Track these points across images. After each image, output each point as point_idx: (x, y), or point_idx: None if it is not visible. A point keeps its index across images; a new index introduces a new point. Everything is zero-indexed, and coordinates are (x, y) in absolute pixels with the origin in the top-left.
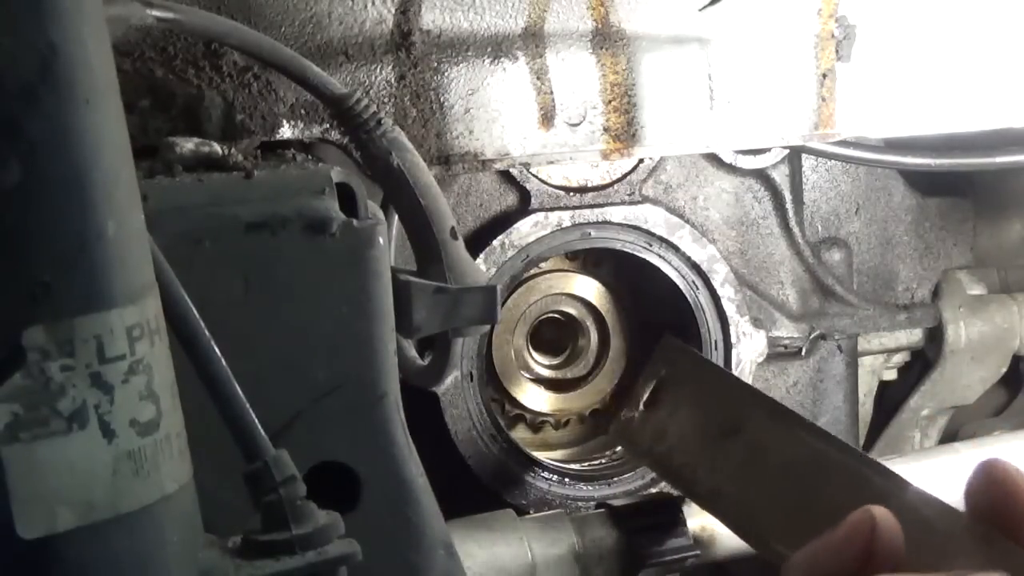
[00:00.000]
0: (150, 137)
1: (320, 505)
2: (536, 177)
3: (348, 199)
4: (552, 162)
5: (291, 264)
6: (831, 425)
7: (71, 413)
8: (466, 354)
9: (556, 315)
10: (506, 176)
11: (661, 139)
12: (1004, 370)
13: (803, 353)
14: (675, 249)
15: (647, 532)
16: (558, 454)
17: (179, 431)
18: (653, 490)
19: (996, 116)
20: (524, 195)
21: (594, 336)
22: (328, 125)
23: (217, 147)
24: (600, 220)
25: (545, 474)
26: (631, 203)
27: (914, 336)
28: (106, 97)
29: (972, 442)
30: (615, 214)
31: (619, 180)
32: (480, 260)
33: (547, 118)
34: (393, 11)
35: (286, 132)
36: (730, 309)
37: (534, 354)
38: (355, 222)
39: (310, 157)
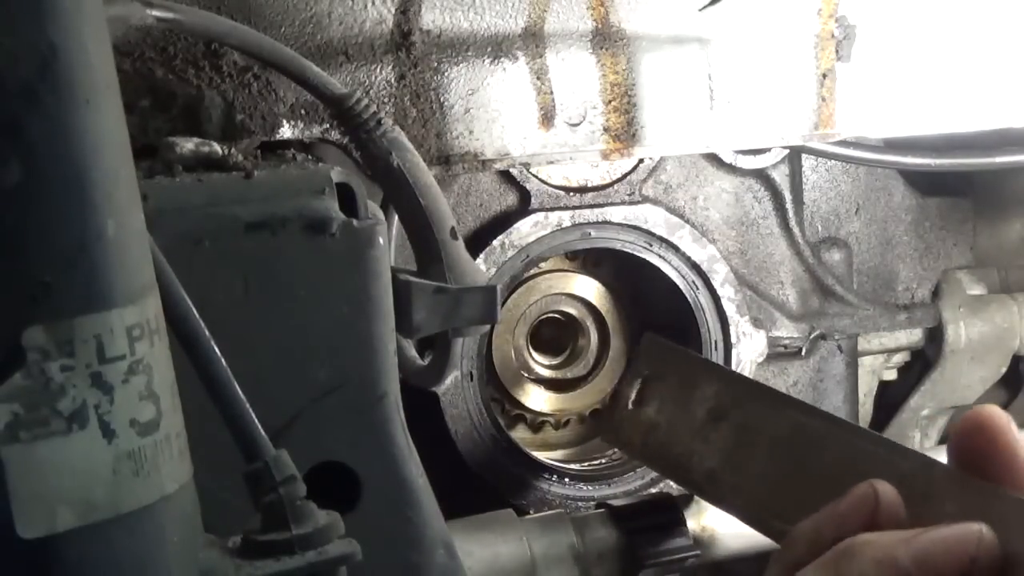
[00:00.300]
0: (150, 137)
1: (320, 505)
2: (536, 177)
3: (348, 199)
4: (552, 162)
5: (291, 264)
6: None
7: (71, 413)
8: (466, 354)
9: (556, 315)
10: (506, 176)
11: (661, 139)
12: (1004, 370)
13: (803, 353)
14: (675, 249)
15: (647, 532)
16: (558, 454)
17: (179, 431)
18: (653, 490)
19: (996, 116)
20: (524, 195)
21: (594, 336)
22: (328, 125)
23: (217, 147)
24: (600, 220)
25: (545, 474)
26: (631, 203)
27: (914, 336)
28: (106, 97)
29: None
30: (615, 214)
31: (619, 180)
32: (480, 260)
33: (547, 118)
34: (393, 11)
35: (286, 132)
36: (730, 309)
37: (534, 354)
38: (355, 222)
39: (310, 157)
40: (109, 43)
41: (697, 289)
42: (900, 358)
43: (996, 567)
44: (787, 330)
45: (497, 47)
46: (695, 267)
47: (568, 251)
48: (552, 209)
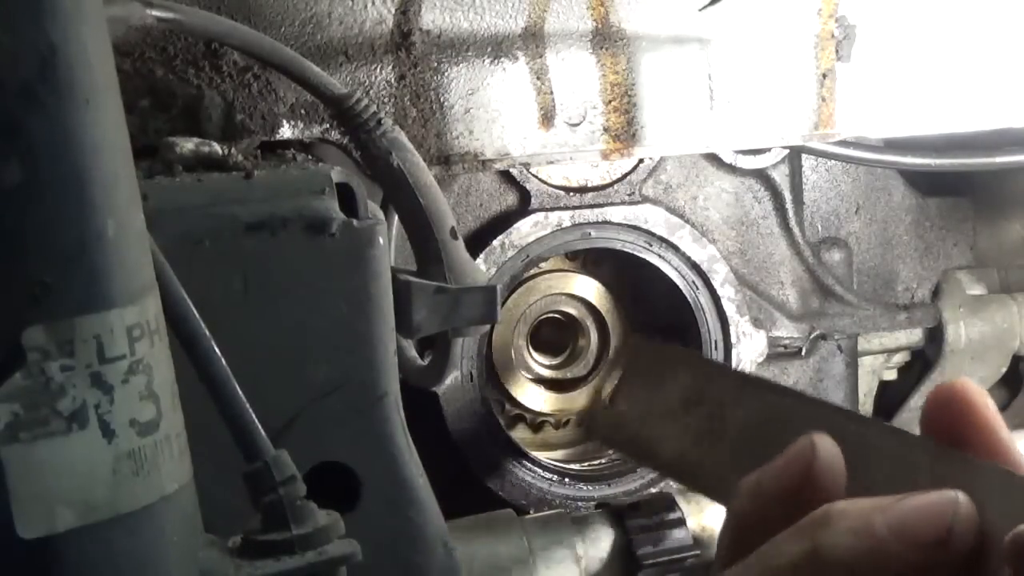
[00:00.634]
0: (150, 137)
1: (320, 505)
2: (536, 177)
3: (348, 199)
4: (552, 162)
5: (291, 264)
6: None
7: (71, 413)
8: (466, 354)
9: (556, 315)
10: (506, 176)
11: (661, 139)
12: (1004, 370)
13: (803, 353)
14: (675, 249)
15: (647, 532)
16: (558, 454)
17: (179, 431)
18: (653, 490)
19: (996, 116)
20: (524, 195)
21: (594, 336)
22: (328, 125)
23: (217, 147)
24: (600, 220)
25: (545, 474)
26: (631, 203)
27: (914, 336)
28: (106, 97)
29: None
30: (615, 214)
31: (619, 180)
32: (480, 260)
33: (547, 118)
34: (393, 11)
35: (286, 132)
36: (730, 309)
37: (534, 354)
38: (355, 222)
39: (310, 157)
40: (109, 43)
41: (697, 289)
42: (900, 358)
43: (973, 535)
44: (787, 330)
45: (497, 47)
46: (695, 267)
47: (568, 251)
48: (552, 209)
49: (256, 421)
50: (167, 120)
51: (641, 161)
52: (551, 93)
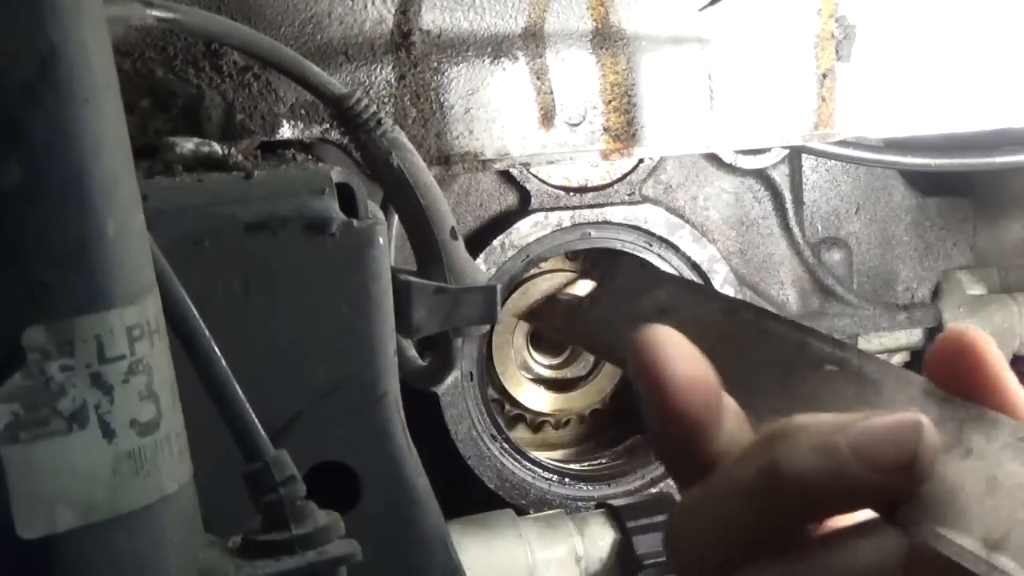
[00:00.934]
0: (150, 137)
1: (320, 505)
2: (536, 177)
3: (348, 199)
4: (552, 162)
5: (291, 264)
6: None
7: (71, 413)
8: (466, 354)
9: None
10: (506, 176)
11: (661, 139)
12: None
13: None
14: (675, 249)
15: (647, 532)
16: (558, 454)
17: (179, 431)
18: (653, 490)
19: (996, 116)
20: (524, 195)
21: None
22: (328, 125)
23: (217, 147)
24: (600, 220)
25: (545, 474)
26: (631, 203)
27: (914, 336)
28: (106, 97)
29: None
30: (615, 214)
31: (619, 180)
32: (480, 260)
33: (547, 118)
34: (393, 11)
35: (286, 132)
36: None
37: (534, 354)
38: (355, 222)
39: (310, 157)
40: (109, 43)
41: None
42: (900, 358)
43: (934, 461)
44: None
45: (497, 47)
46: (695, 267)
47: (568, 251)
48: (552, 209)
49: (256, 421)
50: (167, 120)
51: (641, 161)
52: (551, 93)
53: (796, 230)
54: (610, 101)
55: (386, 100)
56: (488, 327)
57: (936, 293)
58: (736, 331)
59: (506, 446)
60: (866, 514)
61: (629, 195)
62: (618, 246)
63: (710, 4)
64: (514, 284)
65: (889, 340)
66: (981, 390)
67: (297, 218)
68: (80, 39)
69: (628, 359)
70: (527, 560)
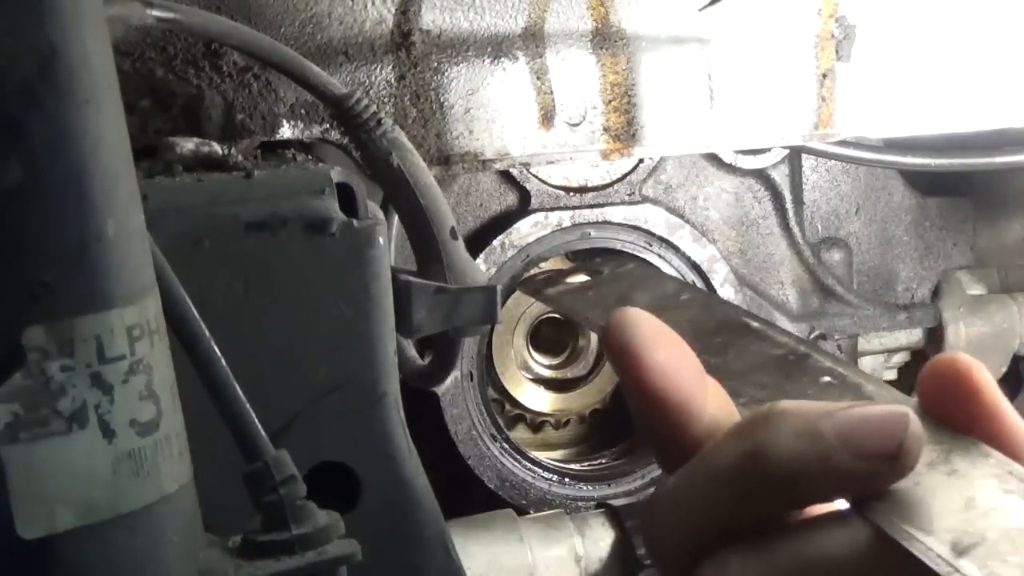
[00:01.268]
0: (150, 137)
1: (320, 505)
2: (536, 177)
3: (348, 199)
4: (552, 162)
5: (291, 264)
6: None
7: (71, 413)
8: (466, 354)
9: (556, 315)
10: (506, 176)
11: (661, 139)
12: (1004, 370)
13: None
14: (675, 249)
15: None
16: (558, 454)
17: (179, 431)
18: (653, 490)
19: (996, 116)
20: (524, 195)
21: (594, 336)
22: (328, 125)
23: (217, 147)
24: (600, 220)
25: (545, 474)
26: (631, 203)
27: (914, 336)
28: (106, 97)
29: None
30: (615, 214)
31: (619, 180)
32: (480, 260)
33: (547, 118)
34: (393, 11)
35: (286, 132)
36: None
37: (534, 354)
38: (355, 222)
39: (310, 157)
40: (109, 43)
41: None
42: (900, 358)
43: (918, 454)
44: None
45: (497, 47)
46: (695, 267)
47: (568, 251)
48: (552, 209)
49: (256, 421)
50: (167, 120)
51: (641, 161)
52: (551, 93)
53: (796, 230)
54: (610, 101)
55: (386, 100)
56: (488, 327)
57: (936, 293)
58: (742, 331)
59: (506, 446)
60: (839, 504)
61: (629, 195)
62: (618, 246)
63: (710, 4)
64: (514, 284)
65: (889, 340)
66: (976, 419)
67: (297, 218)
68: (80, 39)
69: (604, 340)
70: (527, 560)
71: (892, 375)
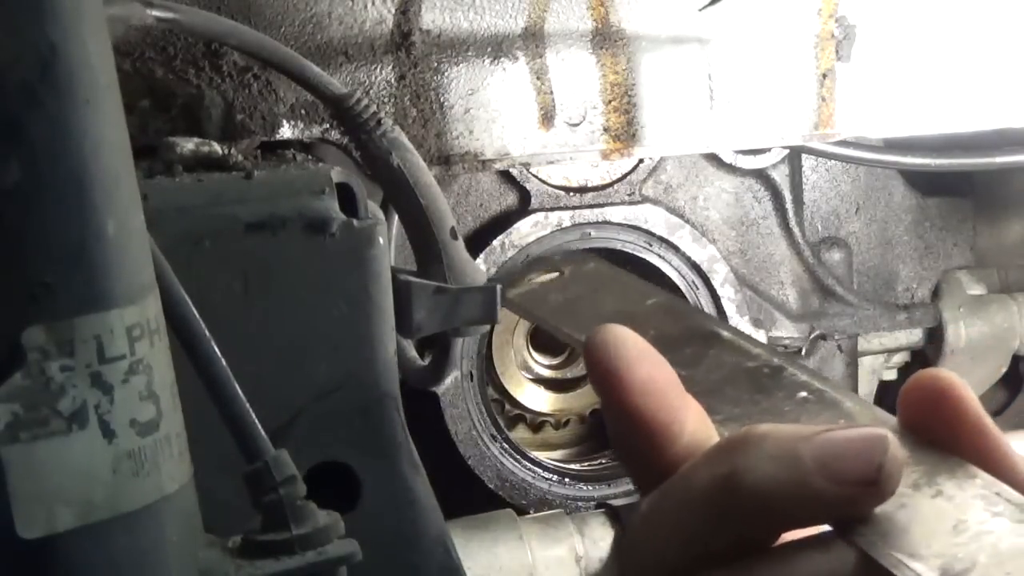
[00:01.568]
0: (150, 137)
1: (320, 505)
2: (536, 177)
3: (348, 199)
4: (552, 162)
5: (291, 264)
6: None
7: (71, 413)
8: (466, 354)
9: None
10: (506, 176)
11: (661, 139)
12: (1004, 370)
13: (803, 353)
14: (675, 249)
15: None
16: (558, 454)
17: (179, 431)
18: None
19: (996, 116)
20: (524, 195)
21: None
22: (328, 125)
23: (217, 147)
24: (600, 220)
25: (545, 474)
26: (631, 203)
27: (914, 336)
28: (106, 97)
29: None
30: (615, 214)
31: (619, 180)
32: (480, 260)
33: (547, 118)
34: (393, 11)
35: (286, 132)
36: (730, 309)
37: (534, 354)
38: (355, 222)
39: (310, 157)
40: (109, 43)
41: (697, 289)
42: (900, 358)
43: (900, 478)
44: (787, 330)
45: (497, 47)
46: (695, 267)
47: (568, 251)
48: (552, 209)
49: (256, 421)
50: (167, 120)
51: (641, 161)
52: (551, 93)
53: (796, 230)
54: (610, 101)
55: (386, 100)
56: (488, 327)
57: (936, 293)
58: (712, 341)
59: (506, 446)
60: (821, 528)
61: (629, 195)
62: (618, 246)
63: (710, 4)
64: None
65: (889, 340)
66: (960, 436)
67: (297, 218)
68: (80, 39)
69: (584, 358)
70: (527, 560)
71: (892, 375)
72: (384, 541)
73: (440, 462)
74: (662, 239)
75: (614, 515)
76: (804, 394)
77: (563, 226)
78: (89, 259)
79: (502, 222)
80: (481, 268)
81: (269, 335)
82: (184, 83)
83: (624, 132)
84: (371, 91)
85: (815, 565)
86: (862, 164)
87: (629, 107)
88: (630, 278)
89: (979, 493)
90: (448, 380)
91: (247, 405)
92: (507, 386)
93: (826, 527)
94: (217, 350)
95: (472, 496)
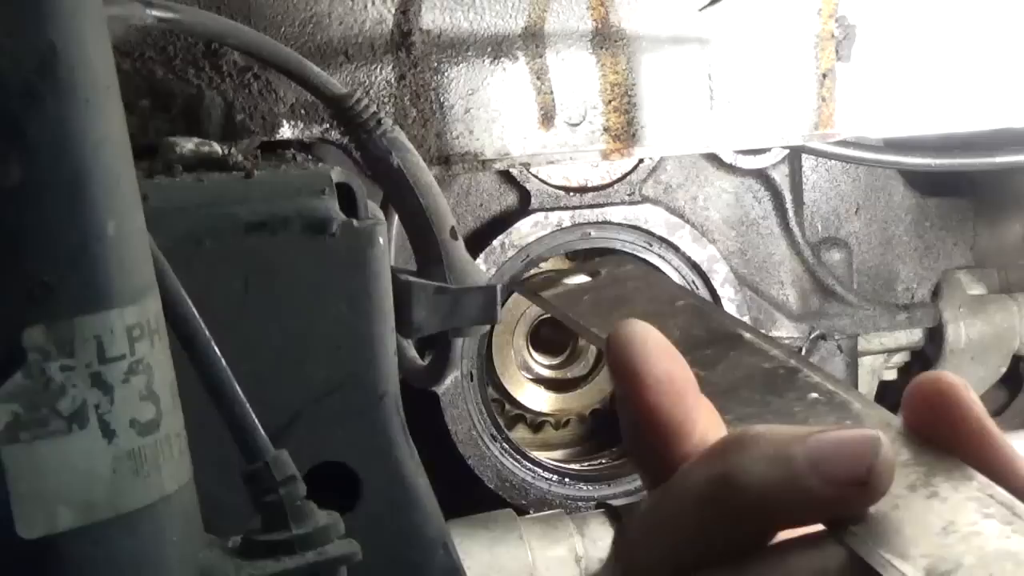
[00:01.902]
0: (150, 137)
1: (320, 505)
2: (536, 177)
3: (348, 199)
4: (552, 162)
5: (291, 264)
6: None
7: (71, 413)
8: (466, 354)
9: None
10: (506, 176)
11: (661, 139)
12: (1004, 370)
13: (803, 353)
14: (675, 249)
15: None
16: (558, 454)
17: (179, 431)
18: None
19: (996, 116)
20: (524, 195)
21: None
22: (328, 125)
23: (217, 147)
24: (600, 220)
25: (545, 474)
26: (631, 203)
27: (914, 336)
28: (106, 97)
29: None
30: (615, 214)
31: (619, 180)
32: (480, 260)
33: (547, 118)
34: (393, 11)
35: (286, 132)
36: (730, 309)
37: (534, 354)
38: (355, 222)
39: (310, 157)
40: (109, 43)
41: (697, 289)
42: (900, 358)
43: (891, 479)
44: (787, 330)
45: (497, 47)
46: (695, 267)
47: (568, 251)
48: (552, 209)
49: (256, 421)
50: (167, 120)
51: (641, 161)
52: (551, 93)
53: (796, 230)
54: (610, 101)
55: (386, 100)
56: (488, 327)
57: (936, 293)
58: (734, 343)
59: (506, 446)
60: (814, 527)
61: (629, 195)
62: (618, 246)
63: (710, 4)
64: (512, 286)
65: (889, 340)
66: (962, 438)
67: (297, 218)
68: (80, 39)
69: (605, 353)
70: (527, 560)
71: (892, 375)
72: (384, 541)
73: (440, 462)
74: (662, 239)
75: (614, 515)
76: (815, 396)
77: (563, 226)
78: (89, 259)
79: (502, 222)
80: (481, 268)
81: (269, 335)
82: (184, 83)
83: (624, 132)
84: (371, 91)
85: (808, 563)
86: (862, 164)
87: (629, 107)
88: (664, 281)
89: (973, 495)
90: (448, 380)
91: (247, 405)
92: (507, 386)
93: (820, 526)
94: (217, 350)
95: (472, 496)
